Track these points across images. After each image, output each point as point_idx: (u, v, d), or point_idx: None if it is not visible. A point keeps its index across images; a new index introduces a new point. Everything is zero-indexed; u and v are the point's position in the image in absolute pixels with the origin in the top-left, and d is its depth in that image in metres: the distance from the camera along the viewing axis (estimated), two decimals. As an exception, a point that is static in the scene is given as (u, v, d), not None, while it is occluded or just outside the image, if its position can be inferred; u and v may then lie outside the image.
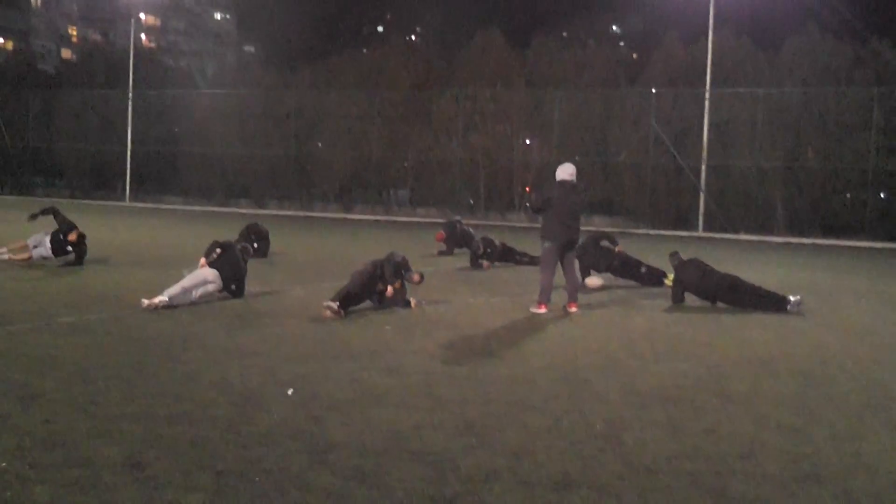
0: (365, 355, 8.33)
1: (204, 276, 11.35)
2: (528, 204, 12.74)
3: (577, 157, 38.48)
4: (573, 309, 11.67)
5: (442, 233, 19.99)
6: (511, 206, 41.05)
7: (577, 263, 12.49)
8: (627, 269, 14.87)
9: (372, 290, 11.27)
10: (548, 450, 5.63)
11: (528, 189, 39.52)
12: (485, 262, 17.22)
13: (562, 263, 11.83)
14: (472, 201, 41.82)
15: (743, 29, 39.99)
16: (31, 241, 15.08)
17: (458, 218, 21.32)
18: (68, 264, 14.65)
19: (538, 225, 12.23)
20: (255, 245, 16.97)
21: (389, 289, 11.26)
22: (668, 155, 35.95)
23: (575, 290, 11.91)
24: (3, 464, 5.07)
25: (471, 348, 8.95)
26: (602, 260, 14.83)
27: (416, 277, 11.71)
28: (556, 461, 5.41)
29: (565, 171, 11.96)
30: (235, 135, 45.91)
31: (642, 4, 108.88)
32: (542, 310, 11.50)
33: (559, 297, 11.96)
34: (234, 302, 11.49)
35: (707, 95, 35.13)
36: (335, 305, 10.46)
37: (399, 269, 11.51)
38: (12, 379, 6.98)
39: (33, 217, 15.25)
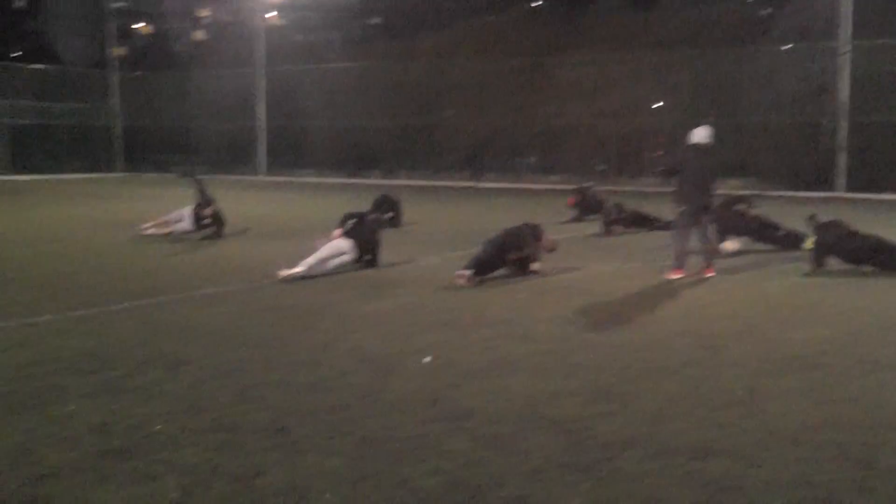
0: (499, 323, 8.36)
1: (339, 247, 11.55)
2: (655, 169, 12.52)
3: (711, 119, 37.62)
4: (709, 274, 11.44)
5: (573, 198, 19.82)
6: (642, 170, 40.38)
7: (711, 227, 12.20)
8: (764, 232, 14.44)
9: (504, 258, 11.27)
10: (686, 417, 5.55)
11: (658, 153, 38.84)
12: (617, 228, 17.02)
13: (697, 228, 11.60)
14: (602, 167, 41.31)
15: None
16: (172, 216, 15.68)
17: (589, 184, 21.09)
18: (208, 238, 15.15)
19: (670, 189, 12.00)
20: (389, 215, 17.22)
21: (536, 265, 11.25)
22: (804, 113, 34.72)
23: (711, 255, 11.67)
24: (157, 426, 5.30)
25: (605, 314, 8.88)
26: (737, 223, 14.44)
27: (549, 244, 11.68)
28: (694, 428, 5.34)
29: (699, 134, 11.72)
30: (363, 106, 46.38)
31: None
32: (678, 275, 11.30)
33: (694, 262, 11.71)
34: (368, 271, 11.66)
35: (846, 48, 33.71)
36: (467, 273, 10.51)
37: (535, 234, 11.54)
38: (161, 347, 7.28)
39: (183, 175, 16.06)
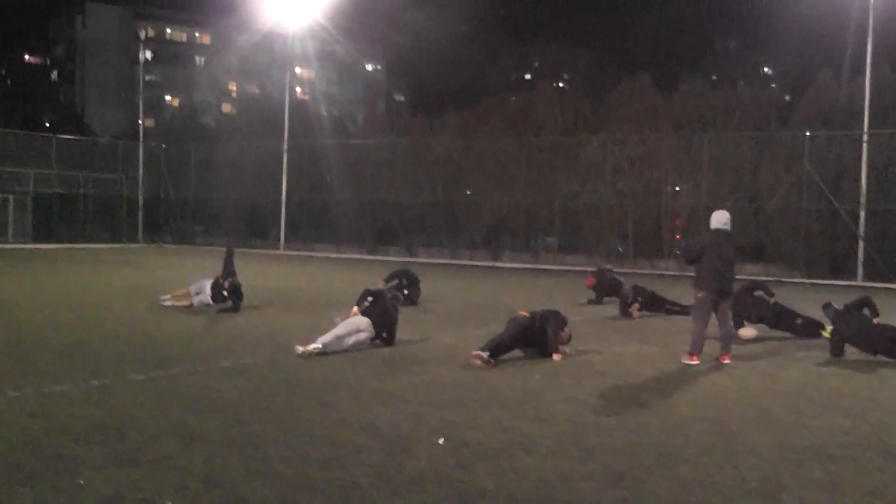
0: (514, 403, 8.32)
1: (356, 325, 11.58)
2: (678, 252, 12.50)
3: (727, 202, 37.70)
4: (726, 360, 11.38)
5: (592, 279, 19.85)
6: (660, 252, 40.39)
7: (730, 313, 12.16)
8: (782, 319, 14.38)
9: (525, 340, 11.25)
10: (701, 505, 5.49)
11: (678, 236, 38.87)
12: (634, 310, 16.96)
13: (715, 313, 11.57)
14: (621, 248, 41.35)
15: (903, 63, 38.45)
16: (192, 289, 15.80)
17: (608, 267, 21.06)
18: (226, 310, 15.22)
19: (689, 273, 12.03)
20: (406, 292, 17.27)
21: (558, 356, 11.20)
22: (823, 199, 34.75)
23: (729, 341, 11.62)
24: (167, 501, 5.28)
25: (620, 397, 8.83)
26: (755, 310, 14.40)
27: (565, 336, 11.62)
28: (710, 517, 5.27)
29: (719, 220, 11.74)
30: (385, 182, 46.78)
31: (794, 43, 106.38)
32: (695, 361, 11.25)
33: (711, 347, 11.65)
34: (384, 349, 11.67)
35: (865, 137, 33.88)
36: (485, 355, 10.49)
37: (558, 324, 11.50)
38: (175, 419, 7.28)
39: (227, 245, 16.39)
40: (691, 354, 11.33)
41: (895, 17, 35.58)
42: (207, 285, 15.61)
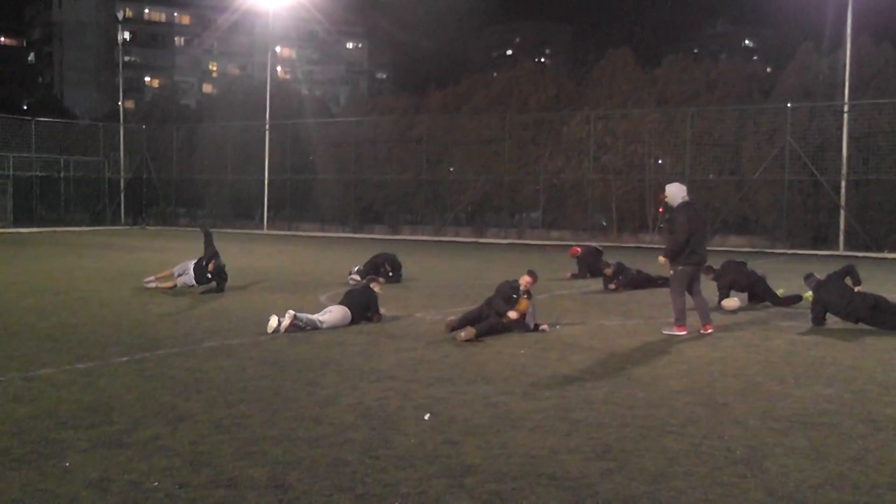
0: (500, 379, 8.35)
1: (338, 316, 11.63)
2: (662, 226, 12.45)
3: (711, 175, 37.81)
4: (709, 330, 11.45)
5: (577, 248, 20.00)
6: (644, 226, 40.52)
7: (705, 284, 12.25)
8: (765, 291, 14.54)
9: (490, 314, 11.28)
10: (687, 476, 5.53)
11: (661, 210, 38.96)
12: (612, 285, 17.00)
13: (690, 286, 11.63)
14: (605, 223, 41.45)
15: (884, 35, 38.56)
16: (175, 270, 15.77)
17: (590, 243, 20.98)
18: (210, 291, 15.19)
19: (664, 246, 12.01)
20: (391, 273, 17.36)
21: (513, 314, 11.19)
22: (805, 171, 34.89)
23: (707, 312, 11.69)
24: (155, 482, 5.28)
25: (606, 371, 8.87)
26: (739, 281, 14.52)
27: (516, 311, 11.45)
28: (696, 487, 5.32)
29: (682, 192, 11.65)
30: (368, 161, 46.71)
31: (775, 17, 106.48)
32: (681, 331, 11.34)
33: (693, 319, 11.70)
34: (370, 326, 11.69)
35: (846, 108, 34.00)
36: (463, 333, 10.61)
37: (510, 296, 11.46)
38: (162, 401, 7.28)
39: (203, 227, 16.32)
40: (677, 326, 11.40)
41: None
42: (191, 266, 15.58)
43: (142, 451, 5.91)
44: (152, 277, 15.96)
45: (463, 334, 10.54)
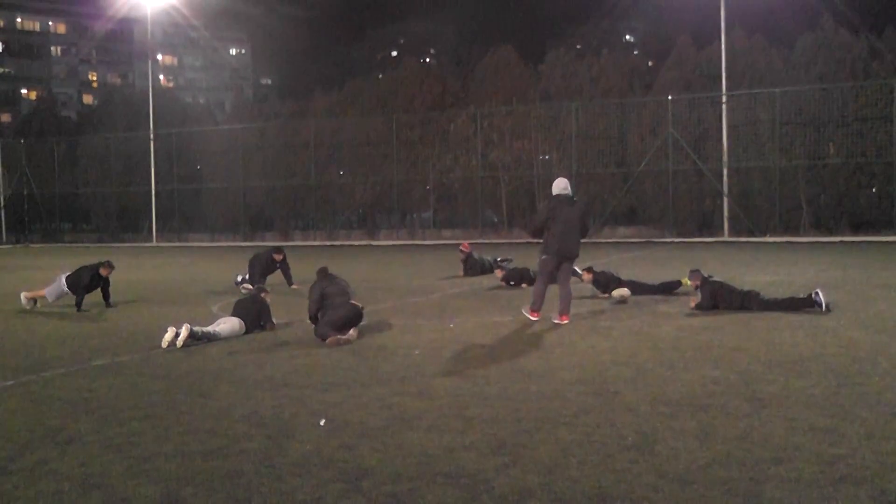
0: (395, 380, 8.37)
1: (232, 327, 11.49)
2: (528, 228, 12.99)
3: (597, 168, 38.51)
4: (564, 321, 11.82)
5: (466, 243, 20.21)
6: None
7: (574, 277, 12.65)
8: (638, 286, 14.97)
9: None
10: (581, 465, 5.63)
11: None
12: (509, 280, 17.19)
13: (558, 274, 12.07)
14: (496, 219, 41.82)
15: (755, 28, 39.95)
16: (47, 290, 15.22)
17: (504, 260, 20.58)
18: (94, 304, 14.85)
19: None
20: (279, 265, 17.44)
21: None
22: (688, 160, 35.84)
23: (568, 303, 12.05)
24: (43, 509, 5.14)
25: (500, 366, 8.96)
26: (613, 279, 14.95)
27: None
28: (589, 476, 5.41)
29: (559, 186, 12.18)
30: (256, 167, 46.27)
31: (654, 11, 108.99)
32: (534, 317, 11.96)
33: (583, 309, 11.93)
34: (263, 334, 11.58)
35: (724, 98, 35.03)
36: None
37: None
38: (48, 424, 7.07)
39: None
40: (533, 311, 12.03)
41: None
42: (62, 277, 15.08)
43: (28, 476, 5.74)
44: (23, 295, 15.43)
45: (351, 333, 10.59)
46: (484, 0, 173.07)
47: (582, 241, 12.16)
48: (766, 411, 6.80)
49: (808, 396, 7.25)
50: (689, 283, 13.49)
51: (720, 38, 35.44)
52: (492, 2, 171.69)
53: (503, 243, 28.34)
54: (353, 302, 11.24)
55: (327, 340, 10.51)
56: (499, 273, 17.57)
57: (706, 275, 13.11)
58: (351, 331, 10.79)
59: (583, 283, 15.08)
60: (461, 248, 20.05)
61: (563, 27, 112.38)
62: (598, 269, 15.29)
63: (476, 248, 20.47)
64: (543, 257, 12.03)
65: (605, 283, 14.83)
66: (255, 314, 11.88)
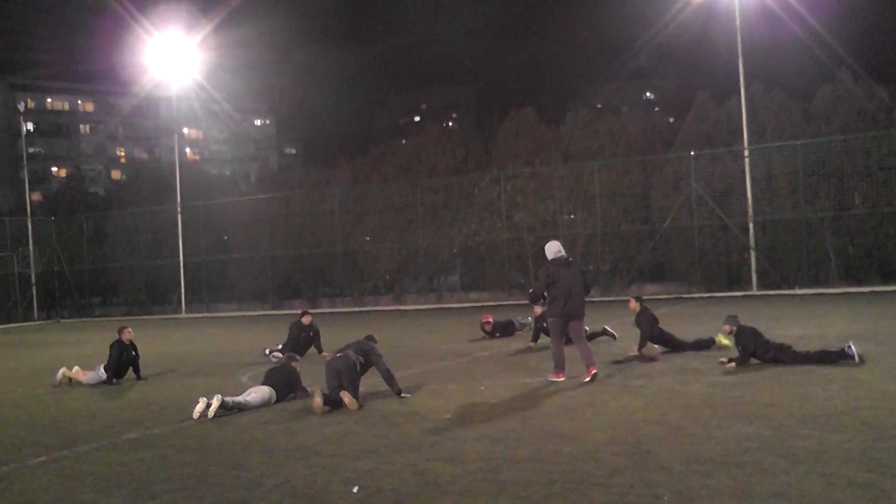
0: (426, 445, 8.33)
1: (262, 396, 11.50)
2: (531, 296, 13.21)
3: (622, 227, 38.50)
4: (593, 371, 12.02)
5: (489, 316, 20.16)
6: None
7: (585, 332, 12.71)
8: (675, 341, 14.84)
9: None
10: (616, 526, 5.57)
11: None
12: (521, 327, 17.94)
13: (570, 335, 12.38)
14: (522, 280, 41.78)
15: (774, 82, 40.14)
16: (86, 377, 15.25)
17: (521, 321, 20.75)
18: (126, 379, 14.90)
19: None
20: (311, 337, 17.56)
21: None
22: (713, 215, 35.79)
23: (590, 355, 12.25)
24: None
25: (531, 429, 8.90)
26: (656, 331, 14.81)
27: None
28: (624, 537, 5.35)
29: (551, 250, 12.52)
30: (282, 236, 46.58)
31: (673, 68, 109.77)
32: (559, 378, 12.08)
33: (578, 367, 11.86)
34: (293, 403, 11.57)
35: (745, 152, 35.07)
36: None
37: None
38: (81, 499, 7.09)
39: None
40: (556, 373, 12.16)
41: (762, 39, 37.05)
42: (100, 367, 15.13)
43: (63, 552, 5.75)
44: (60, 372, 15.50)
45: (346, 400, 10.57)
46: (503, 64, 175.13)
47: (586, 298, 12.51)
48: (802, 467, 6.71)
49: (845, 451, 7.15)
50: (723, 337, 13.41)
51: (739, 92, 35.59)
52: (511, 66, 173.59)
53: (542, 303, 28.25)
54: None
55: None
56: (487, 323, 19.23)
57: (742, 323, 13.01)
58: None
59: (630, 308, 15.04)
60: (484, 324, 19.90)
61: (582, 87, 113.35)
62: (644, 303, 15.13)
63: (502, 309, 20.43)
64: (551, 320, 12.35)
65: (646, 323, 14.59)
66: (285, 383, 11.90)
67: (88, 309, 50.76)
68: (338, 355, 11.42)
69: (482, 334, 19.65)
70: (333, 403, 10.72)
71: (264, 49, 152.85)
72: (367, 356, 11.50)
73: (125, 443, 9.48)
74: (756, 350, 12.51)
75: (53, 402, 13.37)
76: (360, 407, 10.65)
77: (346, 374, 11.04)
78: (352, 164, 50.84)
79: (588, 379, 11.86)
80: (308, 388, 12.07)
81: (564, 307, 12.12)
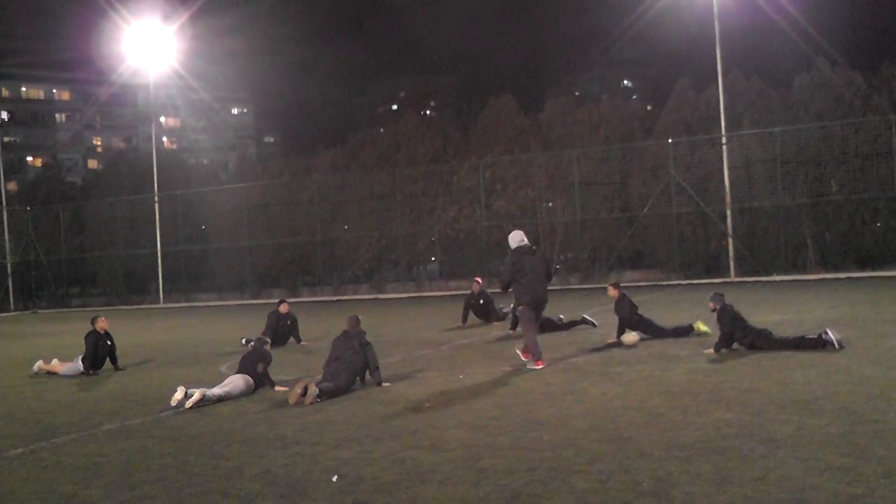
0: (406, 433, 8.32)
1: (237, 385, 11.43)
2: (556, 267, 13.45)
3: (601, 214, 38.59)
4: (525, 358, 12.48)
5: (479, 278, 20.92)
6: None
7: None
8: (652, 329, 14.88)
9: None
10: (596, 513, 5.58)
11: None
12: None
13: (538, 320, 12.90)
14: (502, 268, 41.79)
15: (752, 69, 40.27)
16: (63, 368, 15.12)
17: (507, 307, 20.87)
18: (104, 369, 14.81)
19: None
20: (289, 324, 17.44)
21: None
22: (691, 203, 35.91)
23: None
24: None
25: (511, 417, 8.90)
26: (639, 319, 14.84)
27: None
28: (605, 524, 5.36)
29: (515, 239, 12.78)
30: (262, 225, 46.44)
31: (652, 56, 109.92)
32: (539, 366, 12.13)
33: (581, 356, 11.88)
34: (273, 392, 11.53)
35: (724, 140, 35.18)
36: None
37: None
38: (60, 491, 7.03)
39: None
40: (536, 361, 12.23)
41: (740, 27, 37.15)
42: (79, 357, 15.02)
43: (41, 543, 5.71)
44: (37, 364, 15.40)
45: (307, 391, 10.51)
46: (482, 51, 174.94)
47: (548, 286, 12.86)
48: (781, 452, 6.74)
49: (824, 436, 7.19)
50: (701, 324, 13.53)
51: (717, 80, 35.69)
52: (489, 53, 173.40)
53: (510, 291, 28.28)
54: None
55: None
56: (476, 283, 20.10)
57: (727, 302, 13.00)
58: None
59: (608, 295, 15.15)
60: (476, 279, 20.65)
61: (561, 75, 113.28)
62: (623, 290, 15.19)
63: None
64: (520, 308, 12.57)
65: (625, 310, 14.64)
66: (255, 360, 11.81)
67: (66, 299, 50.45)
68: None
69: (460, 323, 19.61)
70: (329, 392, 10.67)
71: (242, 38, 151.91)
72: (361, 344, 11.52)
73: (104, 434, 9.42)
74: (734, 334, 12.56)
75: (31, 393, 13.27)
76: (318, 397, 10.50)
77: (346, 359, 11.22)
78: (331, 153, 50.69)
79: (520, 354, 12.50)
80: (279, 380, 11.97)
81: (531, 296, 12.37)
